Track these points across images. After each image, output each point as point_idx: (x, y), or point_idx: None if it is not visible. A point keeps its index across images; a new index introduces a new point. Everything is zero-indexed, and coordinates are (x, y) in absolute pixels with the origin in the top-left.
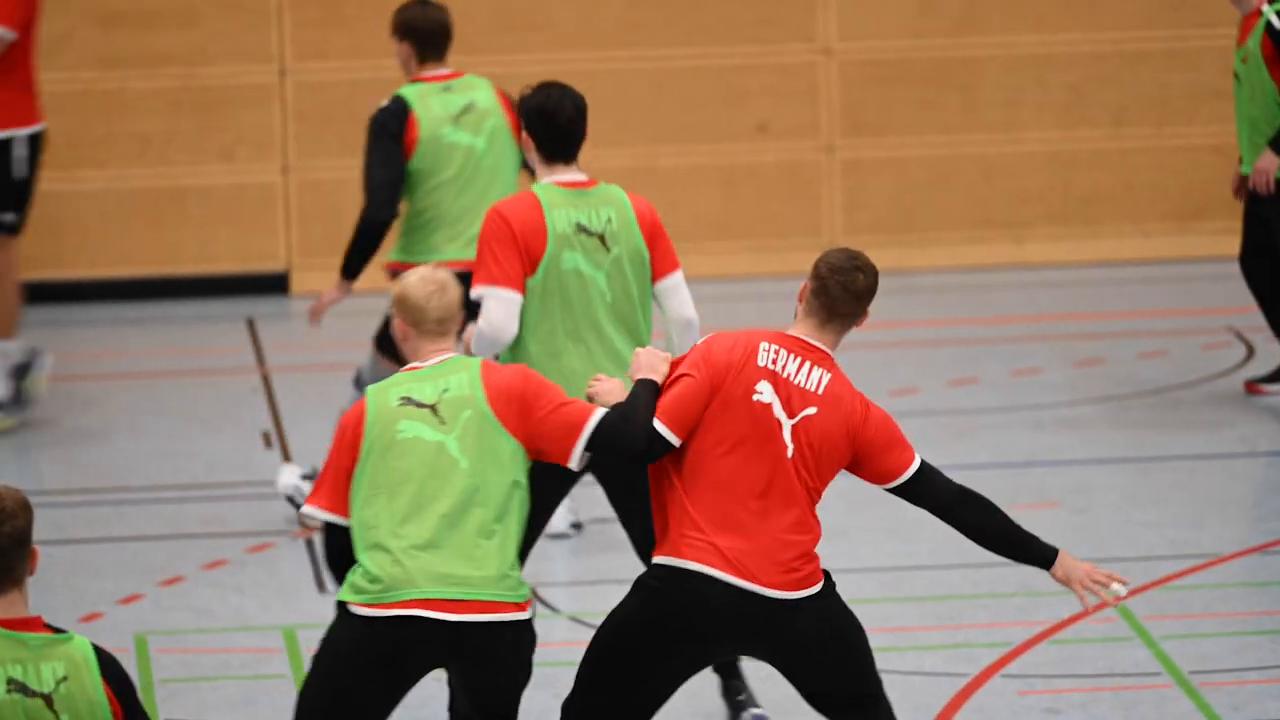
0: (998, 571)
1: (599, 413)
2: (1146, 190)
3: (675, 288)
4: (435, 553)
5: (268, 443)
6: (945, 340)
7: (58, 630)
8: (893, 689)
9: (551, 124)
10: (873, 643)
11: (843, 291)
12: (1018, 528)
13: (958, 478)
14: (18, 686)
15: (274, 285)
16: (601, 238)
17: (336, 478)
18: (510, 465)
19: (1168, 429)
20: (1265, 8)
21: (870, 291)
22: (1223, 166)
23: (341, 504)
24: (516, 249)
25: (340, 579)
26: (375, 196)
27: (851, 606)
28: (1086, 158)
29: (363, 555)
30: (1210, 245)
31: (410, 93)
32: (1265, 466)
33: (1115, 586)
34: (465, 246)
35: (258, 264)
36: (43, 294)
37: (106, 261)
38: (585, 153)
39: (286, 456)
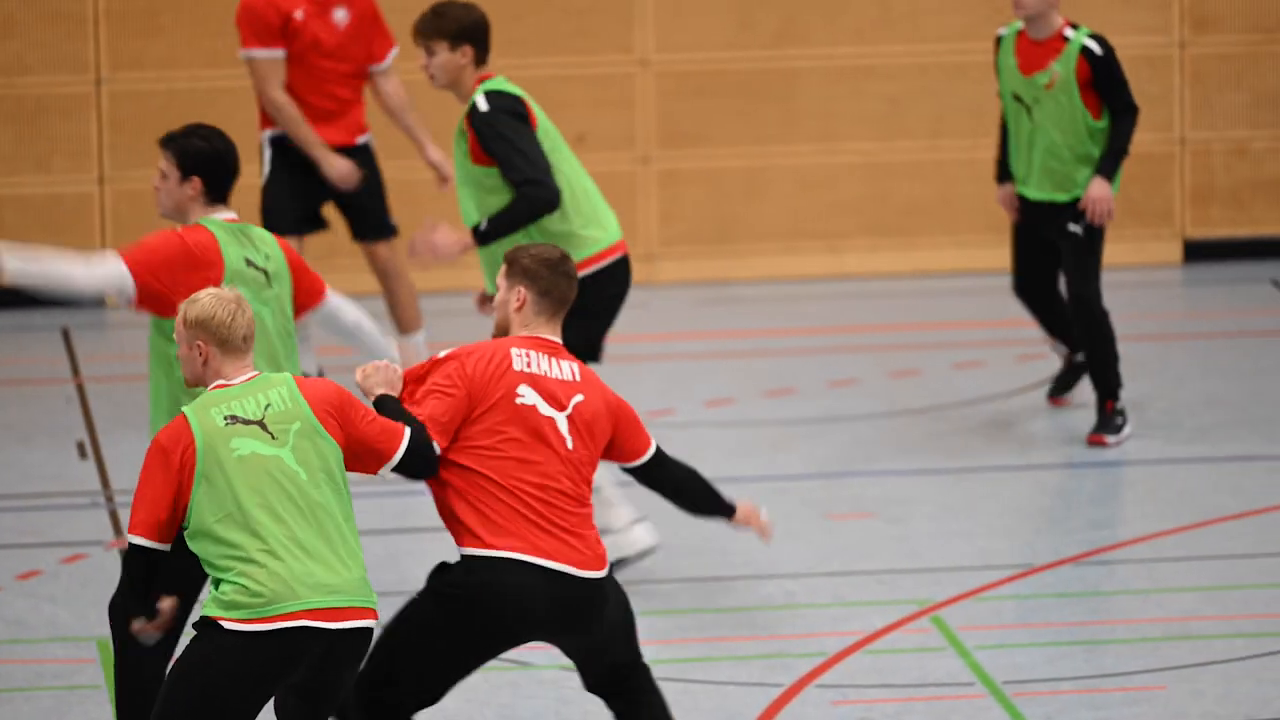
0: (812, 582)
1: (409, 430)
2: (963, 201)
3: (336, 303)
4: (308, 563)
5: (82, 453)
6: (762, 351)
7: None
8: (708, 699)
9: (224, 167)
10: (687, 653)
11: (566, 279)
12: (718, 494)
13: (773, 488)
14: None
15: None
16: (265, 274)
17: (157, 502)
18: (339, 471)
19: (982, 440)
20: (1073, 33)
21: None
22: None
23: (162, 531)
24: (196, 274)
25: (138, 607)
26: (544, 174)
27: (667, 618)
28: (903, 169)
29: (230, 573)
30: None
31: (505, 83)
32: (1078, 478)
33: (763, 512)
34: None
35: None
36: None
37: None
38: (402, 163)
39: (101, 466)
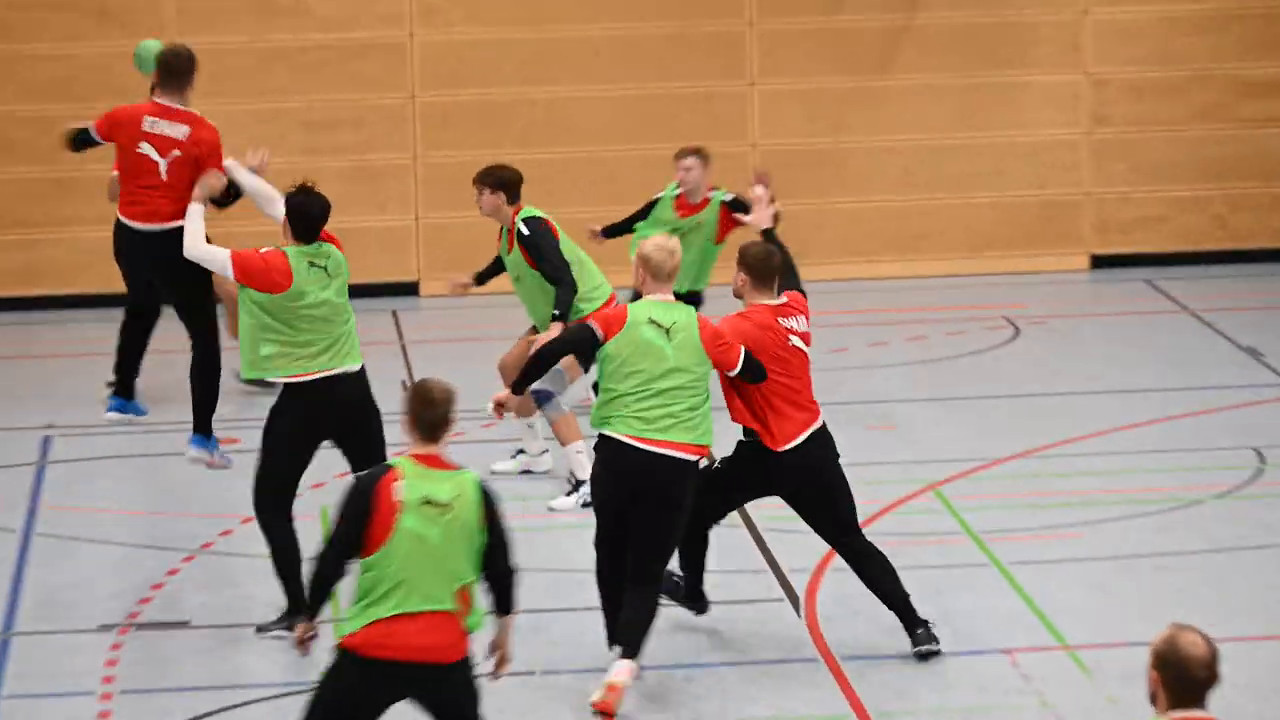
0: (854, 469)
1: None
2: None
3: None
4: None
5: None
6: (825, 325)
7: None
8: (777, 544)
9: (308, 218)
10: (761, 514)
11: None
12: None
13: (833, 409)
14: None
15: (409, 290)
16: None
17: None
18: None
19: (968, 379)
20: (713, 194)
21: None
22: (1009, 213)
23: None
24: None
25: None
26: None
27: None
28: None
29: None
30: (990, 265)
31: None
32: (1026, 403)
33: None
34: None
35: (397, 276)
36: None
37: None
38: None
39: None
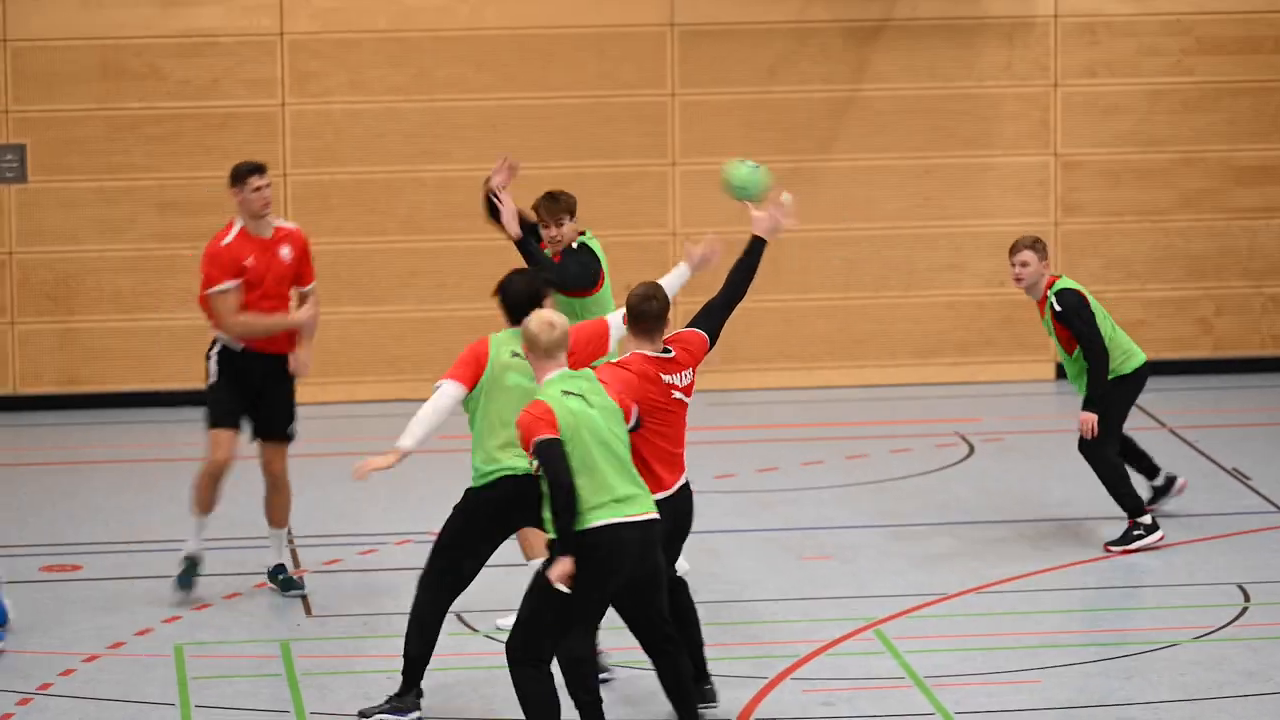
0: (788, 604)
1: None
2: (898, 334)
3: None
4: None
5: None
6: (753, 439)
7: None
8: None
9: (507, 296)
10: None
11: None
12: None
13: (761, 536)
14: None
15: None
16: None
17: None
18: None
19: (910, 503)
20: (1049, 291)
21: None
22: (965, 315)
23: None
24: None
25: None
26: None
27: None
28: (857, 311)
29: None
30: (942, 374)
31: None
32: (976, 530)
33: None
34: None
35: None
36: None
37: (160, 378)
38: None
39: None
